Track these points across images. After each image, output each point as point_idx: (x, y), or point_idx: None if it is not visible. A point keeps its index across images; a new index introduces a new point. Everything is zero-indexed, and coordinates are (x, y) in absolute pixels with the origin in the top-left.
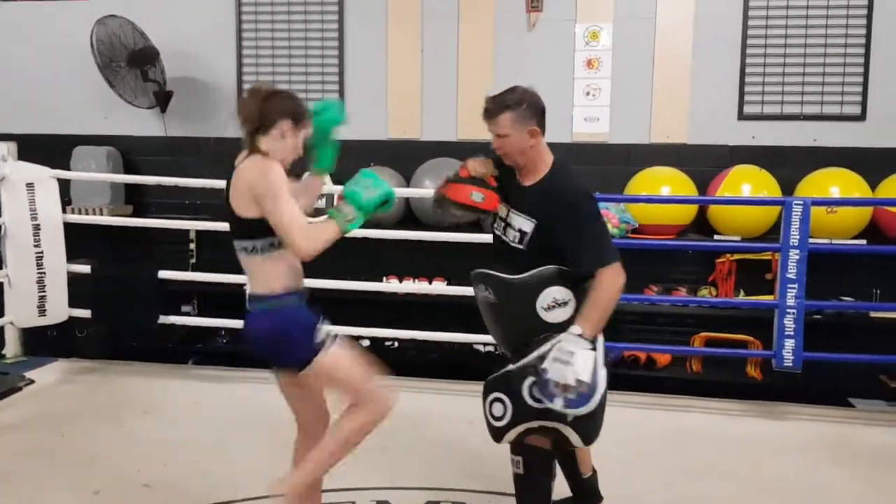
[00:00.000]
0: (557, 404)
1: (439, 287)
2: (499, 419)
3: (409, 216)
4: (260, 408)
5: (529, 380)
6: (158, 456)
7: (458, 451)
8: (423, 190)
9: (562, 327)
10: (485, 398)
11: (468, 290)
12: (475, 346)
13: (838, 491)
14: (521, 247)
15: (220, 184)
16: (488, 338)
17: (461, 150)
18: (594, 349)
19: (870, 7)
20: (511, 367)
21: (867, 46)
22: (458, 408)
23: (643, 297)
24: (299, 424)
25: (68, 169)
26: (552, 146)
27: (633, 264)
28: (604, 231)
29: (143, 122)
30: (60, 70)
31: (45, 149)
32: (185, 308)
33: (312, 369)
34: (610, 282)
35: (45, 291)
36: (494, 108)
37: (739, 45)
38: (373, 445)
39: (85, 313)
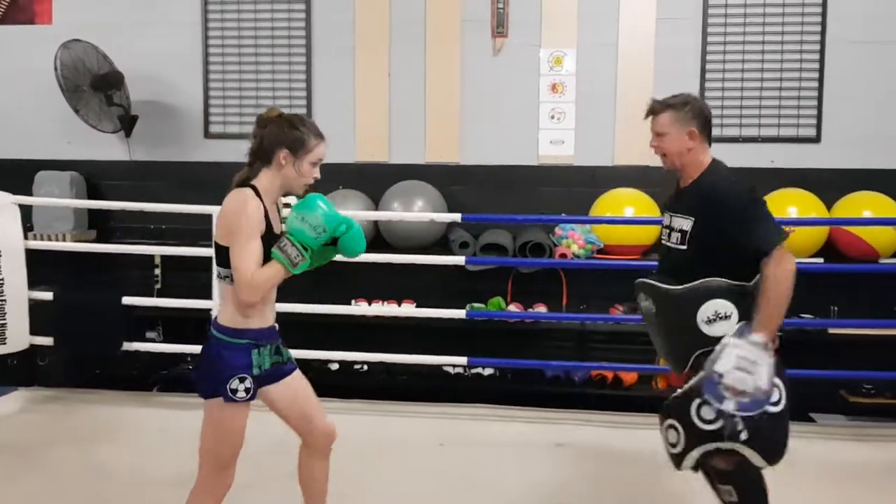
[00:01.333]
0: (728, 406)
1: (408, 309)
2: (674, 446)
3: (378, 239)
4: None
5: (696, 402)
6: (125, 485)
7: (429, 475)
8: (391, 213)
9: (717, 341)
10: (661, 425)
11: (437, 312)
12: (444, 369)
13: None
14: (683, 247)
15: (185, 208)
16: (458, 359)
17: (429, 172)
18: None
19: (822, 34)
20: (679, 391)
21: (821, 71)
22: (429, 431)
23: (609, 316)
24: (297, 434)
25: (31, 194)
26: (518, 168)
27: (599, 284)
28: (767, 214)
29: (107, 147)
30: (23, 94)
31: (7, 174)
32: (149, 334)
33: (205, 406)
34: (777, 270)
35: (5, 319)
36: (657, 106)
37: (698, 71)
38: (347, 470)
39: (47, 341)
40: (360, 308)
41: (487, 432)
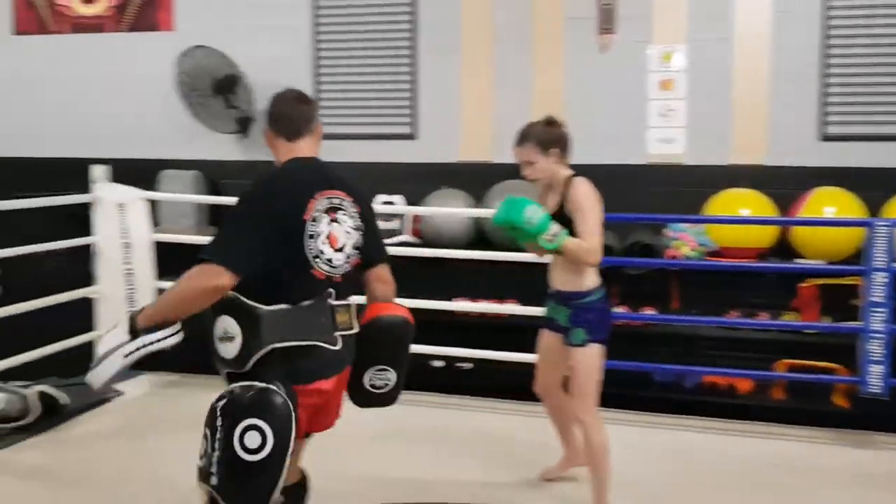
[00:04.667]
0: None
1: (511, 308)
2: None
3: (482, 238)
4: None
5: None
6: None
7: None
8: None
9: (234, 364)
10: None
11: (540, 312)
12: None
13: None
14: None
15: None
16: None
17: None
18: (131, 337)
19: None
20: None
21: None
22: (535, 429)
23: (723, 320)
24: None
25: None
26: (624, 167)
27: (712, 288)
28: (232, 230)
29: (225, 147)
30: (148, 97)
31: (134, 173)
32: None
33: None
34: (188, 278)
35: (134, 307)
36: None
37: (819, 65)
38: (459, 462)
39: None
40: (462, 305)
41: None
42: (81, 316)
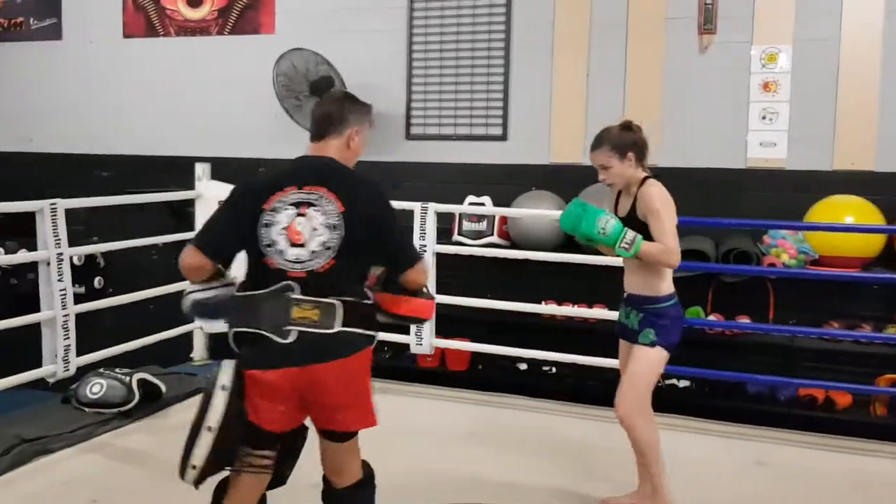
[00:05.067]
0: None
1: (599, 313)
2: None
3: (569, 241)
4: None
5: None
6: None
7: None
8: None
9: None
10: None
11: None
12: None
13: None
14: None
15: (402, 205)
16: None
17: None
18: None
19: None
20: None
21: None
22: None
23: (823, 331)
24: None
25: None
26: (722, 171)
27: (812, 297)
28: (210, 217)
29: None
30: (250, 99)
31: (233, 171)
32: None
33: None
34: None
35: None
36: None
37: None
38: (537, 467)
39: None
40: (548, 308)
41: (684, 445)
42: (181, 308)
